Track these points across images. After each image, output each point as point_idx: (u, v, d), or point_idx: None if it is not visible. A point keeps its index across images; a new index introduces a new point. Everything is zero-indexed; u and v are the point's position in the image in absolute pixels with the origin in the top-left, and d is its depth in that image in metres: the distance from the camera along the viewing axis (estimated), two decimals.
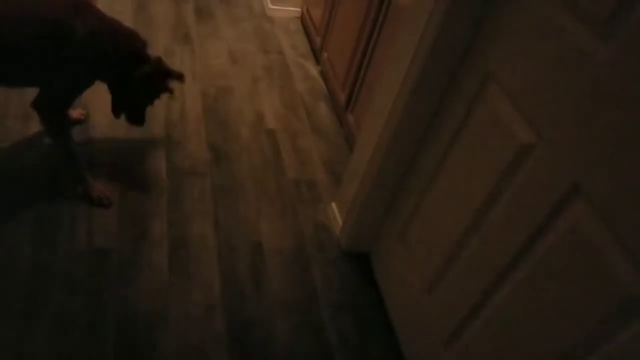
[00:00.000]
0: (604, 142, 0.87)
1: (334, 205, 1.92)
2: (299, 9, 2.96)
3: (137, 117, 1.84)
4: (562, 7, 0.97)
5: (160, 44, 2.57)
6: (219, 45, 2.66)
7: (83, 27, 1.49)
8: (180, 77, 1.85)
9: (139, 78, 1.66)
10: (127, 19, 2.66)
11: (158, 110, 2.20)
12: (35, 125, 1.97)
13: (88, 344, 1.44)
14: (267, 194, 1.98)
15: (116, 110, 1.82)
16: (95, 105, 2.14)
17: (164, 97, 2.03)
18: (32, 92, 1.63)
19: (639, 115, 0.80)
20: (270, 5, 2.97)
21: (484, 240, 1.19)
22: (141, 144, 2.05)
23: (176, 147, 2.07)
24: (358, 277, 1.78)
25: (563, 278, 0.95)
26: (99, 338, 1.46)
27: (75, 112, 2.05)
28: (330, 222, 1.92)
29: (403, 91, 1.39)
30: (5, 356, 1.37)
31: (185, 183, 1.94)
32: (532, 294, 1.03)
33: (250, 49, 2.69)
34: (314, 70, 2.61)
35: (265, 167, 2.07)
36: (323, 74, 2.56)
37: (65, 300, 1.52)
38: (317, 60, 2.65)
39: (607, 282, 0.85)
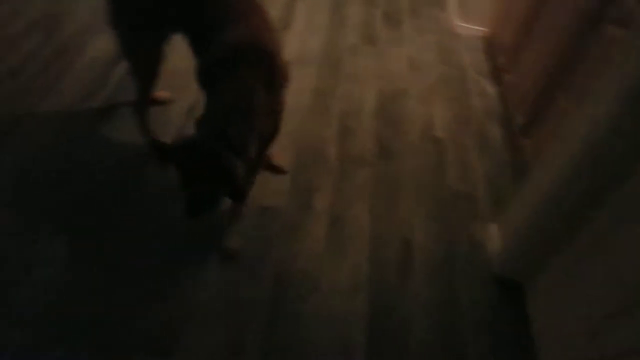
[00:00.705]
0: None
1: (494, 226, 1.88)
2: (485, 29, 2.95)
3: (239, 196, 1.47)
4: None
5: (347, 42, 2.74)
6: (401, 51, 2.76)
7: None
8: (281, 172, 1.96)
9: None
10: (323, 17, 2.89)
11: (337, 101, 2.35)
12: None
13: (250, 285, 1.61)
14: (425, 196, 2.01)
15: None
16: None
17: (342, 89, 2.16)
18: None
19: None
20: (457, 22, 3.00)
21: None
22: (319, 126, 2.22)
23: (348, 135, 2.20)
24: (507, 304, 1.72)
25: None
26: (257, 282, 1.62)
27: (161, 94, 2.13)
28: (486, 241, 1.89)
29: (604, 125, 1.33)
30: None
31: (350, 169, 2.06)
32: None
33: (431, 59, 2.74)
34: (491, 90, 2.58)
35: (426, 171, 2.11)
36: (501, 95, 2.52)
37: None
38: (497, 80, 2.62)
39: None
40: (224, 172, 1.30)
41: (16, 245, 1.60)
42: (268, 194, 1.89)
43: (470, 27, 2.99)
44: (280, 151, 2.00)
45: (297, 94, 2.33)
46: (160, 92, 2.09)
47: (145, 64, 1.66)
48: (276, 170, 1.97)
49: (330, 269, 1.70)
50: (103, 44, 2.35)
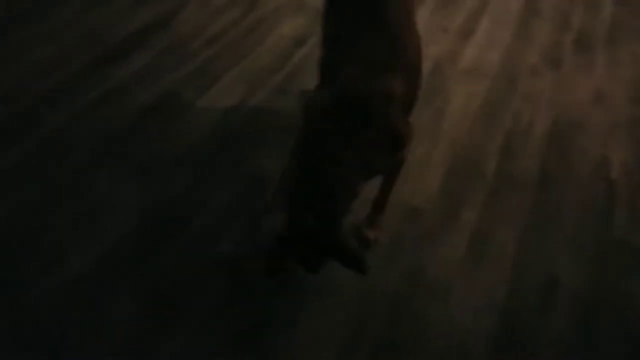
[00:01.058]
0: None
1: None
2: None
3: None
4: None
5: (528, 61, 2.60)
6: (587, 81, 2.54)
7: None
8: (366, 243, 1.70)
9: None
10: (507, 32, 2.78)
11: (506, 118, 2.25)
12: None
13: (380, 277, 1.63)
14: (583, 237, 1.84)
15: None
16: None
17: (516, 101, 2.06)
18: None
19: None
20: None
21: None
22: (482, 139, 2.15)
23: (510, 155, 2.10)
24: None
25: None
26: (389, 276, 1.63)
27: None
28: None
29: None
30: None
31: (506, 189, 1.96)
32: None
33: (621, 96, 2.49)
34: None
35: (590, 211, 1.92)
36: None
37: None
38: None
39: None
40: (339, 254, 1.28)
41: None
42: (416, 194, 1.89)
43: None
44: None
45: (466, 102, 2.28)
46: None
47: None
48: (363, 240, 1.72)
49: (464, 282, 1.65)
50: (293, 25, 2.53)
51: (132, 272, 1.52)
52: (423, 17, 2.75)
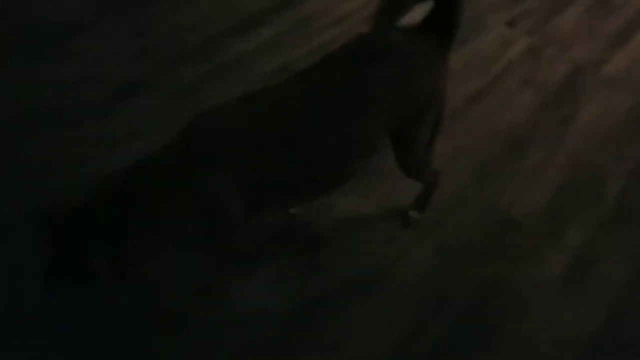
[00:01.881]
0: None
1: None
2: None
3: None
4: None
5: None
6: None
7: None
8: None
9: None
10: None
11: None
12: None
13: (459, 278, 1.55)
14: None
15: None
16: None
17: None
18: None
19: None
20: None
21: None
22: (610, 156, 1.90)
23: (638, 182, 1.83)
24: None
25: None
26: (467, 280, 1.54)
27: None
28: None
29: None
30: None
31: (623, 219, 1.72)
32: None
33: None
34: None
35: None
36: None
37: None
38: None
39: None
40: None
41: None
42: (517, 204, 1.74)
43: None
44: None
45: (600, 114, 2.04)
46: None
47: None
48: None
49: (550, 308, 1.49)
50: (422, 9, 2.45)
51: None
52: (572, 17, 2.49)
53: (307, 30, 2.32)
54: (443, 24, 1.22)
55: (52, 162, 1.77)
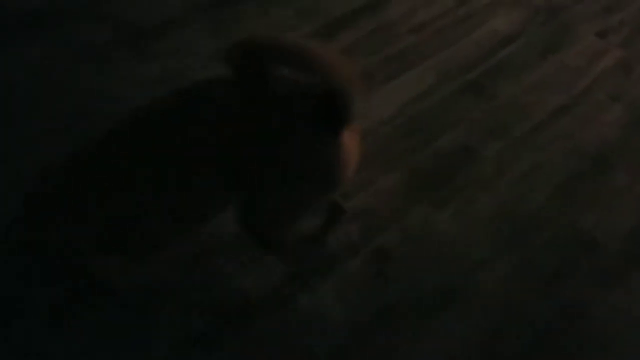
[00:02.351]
0: None
1: None
2: None
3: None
4: None
5: None
6: None
7: None
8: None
9: None
10: None
11: None
12: None
13: None
14: None
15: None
16: None
17: None
18: None
19: None
20: None
21: None
22: None
23: None
24: None
25: None
26: (541, 305, 1.49)
27: None
28: None
29: None
30: None
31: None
32: None
33: None
34: None
35: None
36: None
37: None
38: None
39: None
40: None
41: None
42: (601, 225, 1.66)
43: None
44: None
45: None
46: None
47: None
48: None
49: (634, 340, 1.42)
50: (505, 21, 2.39)
51: None
52: None
53: (386, 36, 2.32)
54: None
55: None
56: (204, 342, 1.41)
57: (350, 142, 1.05)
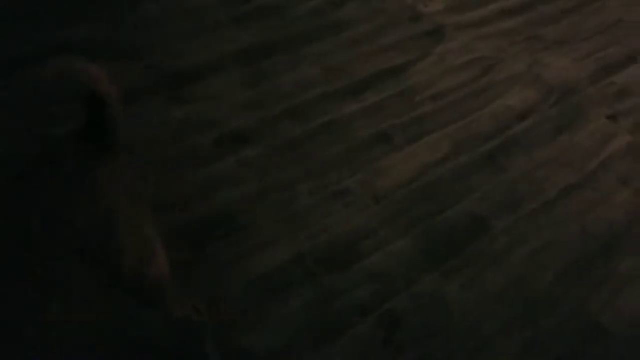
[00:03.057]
0: None
1: None
2: None
3: None
4: None
5: None
6: None
7: None
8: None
9: None
10: None
11: None
12: None
13: None
14: None
15: None
16: None
17: None
18: None
19: None
20: None
21: None
22: None
23: None
24: None
25: None
26: None
27: None
28: None
29: None
30: None
31: None
32: None
33: None
34: None
35: None
36: None
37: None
38: None
39: None
40: None
41: None
42: (608, 310, 1.70)
43: None
44: None
45: None
46: None
47: None
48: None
49: None
50: (521, 97, 2.50)
51: None
52: None
53: (406, 102, 2.42)
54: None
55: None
56: None
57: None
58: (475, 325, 1.63)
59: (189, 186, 1.96)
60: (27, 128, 1.01)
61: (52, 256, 0.85)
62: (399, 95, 2.45)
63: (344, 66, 2.57)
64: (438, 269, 1.77)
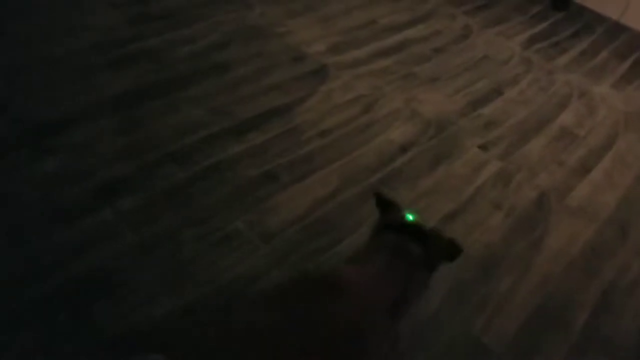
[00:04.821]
0: None
1: None
2: None
3: None
4: None
5: None
6: None
7: None
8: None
9: None
10: (629, 177, 2.60)
11: (610, 269, 2.06)
12: None
13: None
14: None
15: None
16: None
17: None
18: None
19: None
20: None
21: None
22: (575, 287, 1.98)
23: (608, 312, 1.90)
24: None
25: None
26: None
27: None
28: None
29: None
30: None
31: (592, 350, 1.76)
32: None
33: None
34: None
35: None
36: None
37: None
38: None
39: None
40: None
41: None
42: (490, 331, 1.77)
43: None
44: None
45: (567, 242, 2.15)
46: None
47: None
48: None
49: None
50: (401, 131, 2.62)
51: None
52: (539, 145, 2.69)
53: (295, 139, 2.44)
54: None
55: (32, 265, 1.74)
56: None
57: None
58: None
59: (61, 245, 1.78)
60: None
61: None
62: (285, 133, 2.46)
63: (228, 107, 2.54)
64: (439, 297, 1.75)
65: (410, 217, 1.48)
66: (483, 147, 2.61)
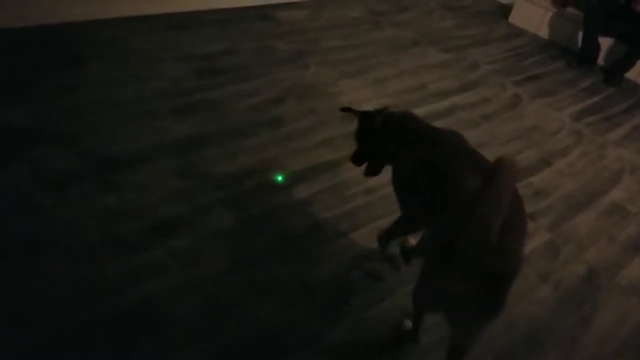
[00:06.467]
0: None
1: None
2: None
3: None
4: None
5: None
6: None
7: None
8: None
9: None
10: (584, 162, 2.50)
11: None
12: None
13: None
14: None
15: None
16: None
17: None
18: None
19: None
20: None
21: None
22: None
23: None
24: None
25: None
26: None
27: None
28: None
29: None
30: None
31: None
32: None
33: None
34: None
35: None
36: None
37: None
38: None
39: None
40: None
41: None
42: None
43: None
44: None
45: (617, 322, 2.08)
46: None
47: None
48: None
49: None
50: None
51: None
52: (589, 218, 2.64)
53: (340, 194, 2.49)
54: None
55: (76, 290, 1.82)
56: None
57: None
58: None
59: (110, 276, 1.86)
60: None
61: None
62: (332, 188, 2.52)
63: (277, 159, 2.64)
64: None
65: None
66: (531, 217, 2.58)
